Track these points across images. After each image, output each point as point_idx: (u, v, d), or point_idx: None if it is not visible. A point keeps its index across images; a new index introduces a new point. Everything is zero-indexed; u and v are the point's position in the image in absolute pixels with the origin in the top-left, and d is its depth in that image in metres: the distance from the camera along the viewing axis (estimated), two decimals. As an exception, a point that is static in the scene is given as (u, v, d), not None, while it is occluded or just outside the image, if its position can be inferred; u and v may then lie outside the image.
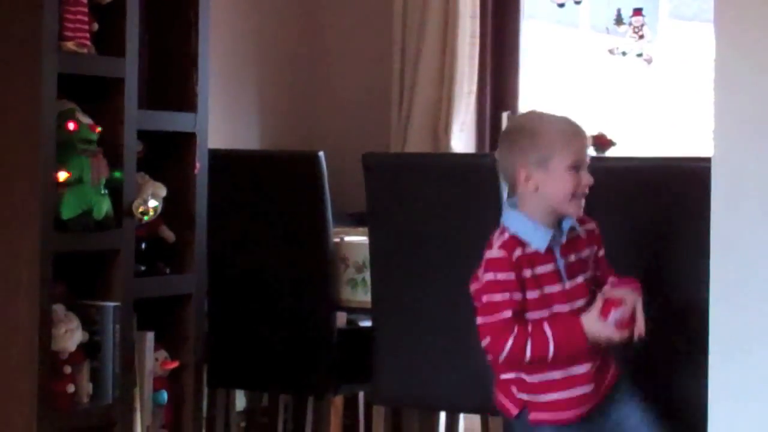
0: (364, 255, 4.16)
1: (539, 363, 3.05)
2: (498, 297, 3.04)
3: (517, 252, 3.08)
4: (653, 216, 3.72)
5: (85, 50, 3.43)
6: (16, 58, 3.31)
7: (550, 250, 3.11)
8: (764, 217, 2.87)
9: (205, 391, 3.94)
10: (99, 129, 3.45)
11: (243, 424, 4.95)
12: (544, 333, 3.04)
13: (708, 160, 2.97)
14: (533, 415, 3.11)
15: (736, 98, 2.89)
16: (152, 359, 3.63)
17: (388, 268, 3.96)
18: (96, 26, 3.47)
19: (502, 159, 3.18)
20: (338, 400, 5.00)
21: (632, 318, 3.10)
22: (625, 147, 4.90)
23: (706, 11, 2.88)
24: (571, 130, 3.16)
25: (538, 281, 3.10)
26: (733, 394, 2.92)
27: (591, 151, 4.67)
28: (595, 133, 4.74)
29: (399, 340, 3.90)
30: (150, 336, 3.62)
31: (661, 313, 3.67)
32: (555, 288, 3.12)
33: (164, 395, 3.66)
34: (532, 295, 3.10)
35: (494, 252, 3.09)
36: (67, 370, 3.39)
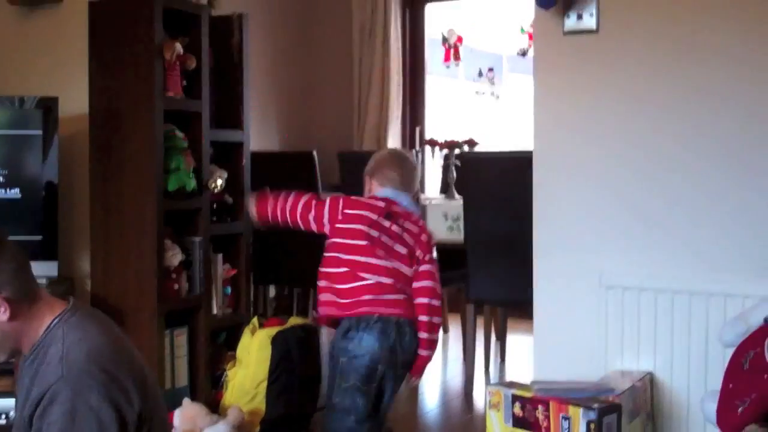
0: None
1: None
2: None
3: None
4: (502, 183, 3.74)
5: (179, 96, 3.42)
6: (141, 102, 3.31)
7: None
8: (560, 184, 2.89)
9: (252, 286, 3.92)
10: (186, 140, 3.43)
11: (274, 305, 4.73)
12: None
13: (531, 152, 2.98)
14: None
15: (545, 116, 2.91)
16: (221, 269, 3.62)
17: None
18: (184, 83, 3.46)
19: None
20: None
21: None
22: (485, 146, 4.92)
23: (528, 68, 3.00)
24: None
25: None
26: (552, 282, 2.94)
27: (465, 148, 4.73)
28: (467, 138, 4.77)
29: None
30: (220, 256, 3.62)
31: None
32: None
33: (228, 290, 3.66)
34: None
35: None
36: (174, 276, 3.40)
